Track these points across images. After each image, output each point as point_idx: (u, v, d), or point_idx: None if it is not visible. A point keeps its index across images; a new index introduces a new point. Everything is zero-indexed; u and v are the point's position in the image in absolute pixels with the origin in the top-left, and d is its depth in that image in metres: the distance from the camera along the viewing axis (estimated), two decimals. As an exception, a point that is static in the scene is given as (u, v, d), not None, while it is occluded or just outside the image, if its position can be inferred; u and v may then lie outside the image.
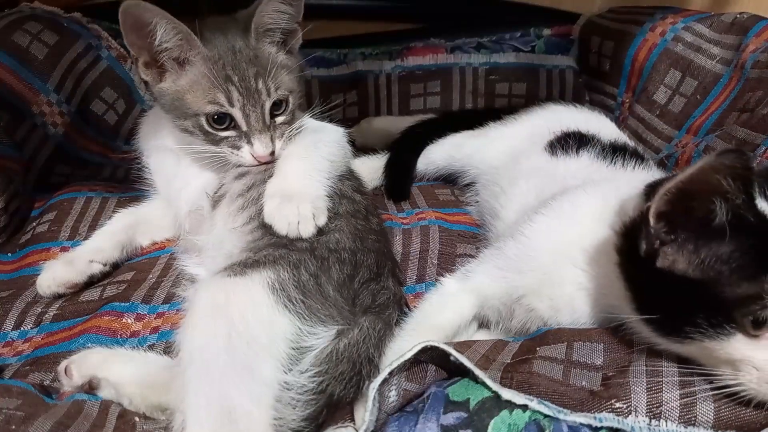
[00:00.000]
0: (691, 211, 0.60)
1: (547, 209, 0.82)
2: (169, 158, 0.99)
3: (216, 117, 0.88)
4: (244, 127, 0.89)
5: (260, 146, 0.90)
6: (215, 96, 0.87)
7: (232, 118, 0.89)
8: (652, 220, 0.62)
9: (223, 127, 0.89)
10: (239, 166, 0.93)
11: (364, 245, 0.86)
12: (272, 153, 0.91)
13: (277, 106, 0.91)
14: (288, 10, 0.90)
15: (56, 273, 0.94)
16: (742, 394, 0.57)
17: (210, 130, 0.89)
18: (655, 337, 0.64)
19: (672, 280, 0.62)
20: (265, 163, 0.92)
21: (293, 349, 0.71)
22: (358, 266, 0.83)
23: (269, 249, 0.80)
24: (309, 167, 0.91)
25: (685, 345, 0.62)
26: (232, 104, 0.87)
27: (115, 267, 1.01)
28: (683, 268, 0.61)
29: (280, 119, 0.92)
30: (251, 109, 0.88)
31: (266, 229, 0.84)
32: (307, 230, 0.82)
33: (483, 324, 0.87)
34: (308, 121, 1.01)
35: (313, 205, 0.84)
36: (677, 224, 0.62)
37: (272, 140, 0.91)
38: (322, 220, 0.84)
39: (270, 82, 0.89)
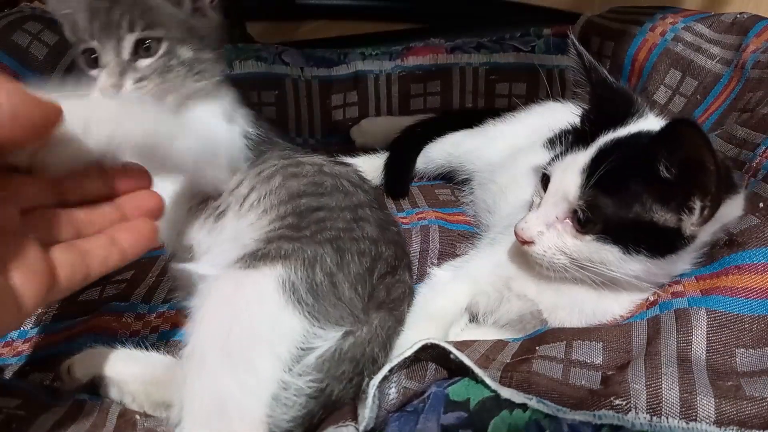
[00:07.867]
0: None
1: None
2: None
3: (92, 58, 0.82)
4: (101, 62, 0.82)
5: (103, 76, 0.81)
6: (83, 33, 0.82)
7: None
8: None
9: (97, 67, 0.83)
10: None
11: (385, 236, 0.83)
12: (115, 86, 0.80)
13: (146, 51, 0.82)
14: None
15: None
16: None
17: (86, 68, 0.84)
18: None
19: None
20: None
21: (296, 348, 0.69)
22: (378, 259, 0.80)
23: (282, 241, 0.76)
24: None
25: None
26: (92, 37, 0.81)
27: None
28: None
29: (144, 62, 0.82)
30: (106, 40, 0.81)
31: (283, 219, 0.80)
32: None
33: (474, 319, 0.87)
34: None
35: None
36: None
37: (121, 75, 0.81)
38: None
39: (138, 18, 0.81)
